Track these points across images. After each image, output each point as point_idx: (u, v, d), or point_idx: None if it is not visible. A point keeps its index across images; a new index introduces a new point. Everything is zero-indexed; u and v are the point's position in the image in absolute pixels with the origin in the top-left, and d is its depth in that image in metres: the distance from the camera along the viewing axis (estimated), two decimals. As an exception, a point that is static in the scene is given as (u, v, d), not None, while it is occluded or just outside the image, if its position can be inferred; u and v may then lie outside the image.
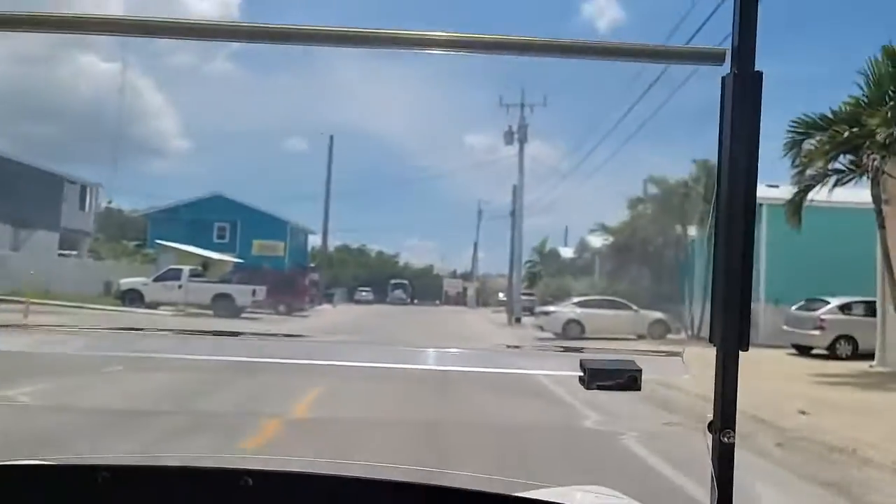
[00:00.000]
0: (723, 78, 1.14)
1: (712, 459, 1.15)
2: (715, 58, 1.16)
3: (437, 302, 63.74)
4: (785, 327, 19.15)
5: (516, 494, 1.31)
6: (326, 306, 41.55)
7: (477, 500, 1.22)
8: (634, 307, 22.37)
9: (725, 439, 1.14)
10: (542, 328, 20.96)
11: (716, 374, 1.16)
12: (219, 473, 1.23)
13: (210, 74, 48.73)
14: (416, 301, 62.96)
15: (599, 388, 1.18)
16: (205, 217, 45.57)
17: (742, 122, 1.13)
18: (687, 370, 1.29)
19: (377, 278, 63.54)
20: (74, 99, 45.92)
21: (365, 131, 62.76)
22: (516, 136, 31.65)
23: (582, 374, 1.20)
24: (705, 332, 1.16)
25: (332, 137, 53.81)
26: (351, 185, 67.94)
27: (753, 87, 1.12)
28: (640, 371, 1.20)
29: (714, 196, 1.17)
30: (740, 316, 1.14)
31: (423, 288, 67.33)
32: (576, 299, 22.63)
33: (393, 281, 63.74)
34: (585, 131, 64.14)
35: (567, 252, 46.19)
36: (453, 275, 71.14)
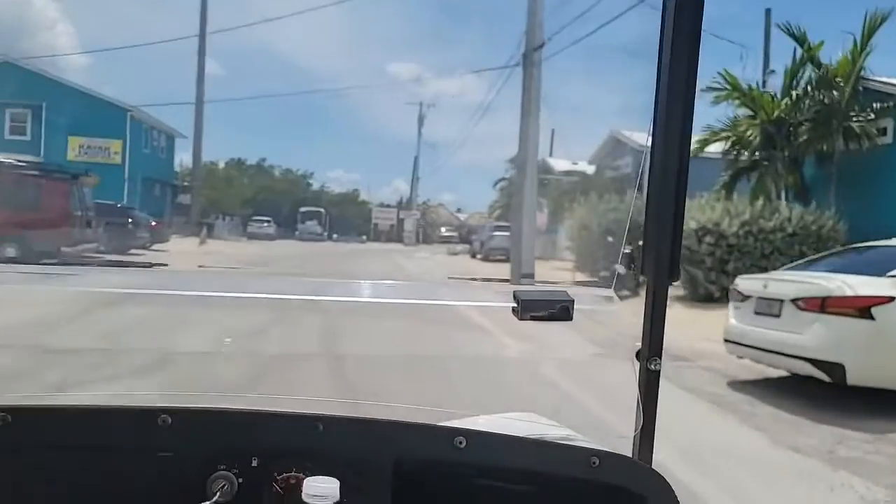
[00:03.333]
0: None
1: (639, 386, 1.18)
2: None
3: (364, 238, 47.23)
4: None
5: (440, 424, 1.22)
6: (181, 242, 24.70)
7: (398, 430, 1.15)
8: None
9: (652, 367, 1.18)
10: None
11: (645, 305, 1.19)
12: (133, 413, 1.13)
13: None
14: (335, 236, 46.38)
15: (532, 318, 1.19)
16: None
17: (681, 47, 1.11)
18: (616, 302, 1.27)
19: (283, 205, 46.36)
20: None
21: (282, 55, 49.54)
22: None
23: (515, 305, 1.20)
24: None
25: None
26: (262, 112, 51.15)
27: (694, 12, 1.10)
28: (571, 301, 1.20)
29: (652, 123, 1.13)
30: (672, 247, 1.17)
31: (345, 219, 50.45)
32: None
33: (303, 209, 46.72)
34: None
35: (565, 165, 29.77)
36: (385, 205, 53.92)
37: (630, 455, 1.18)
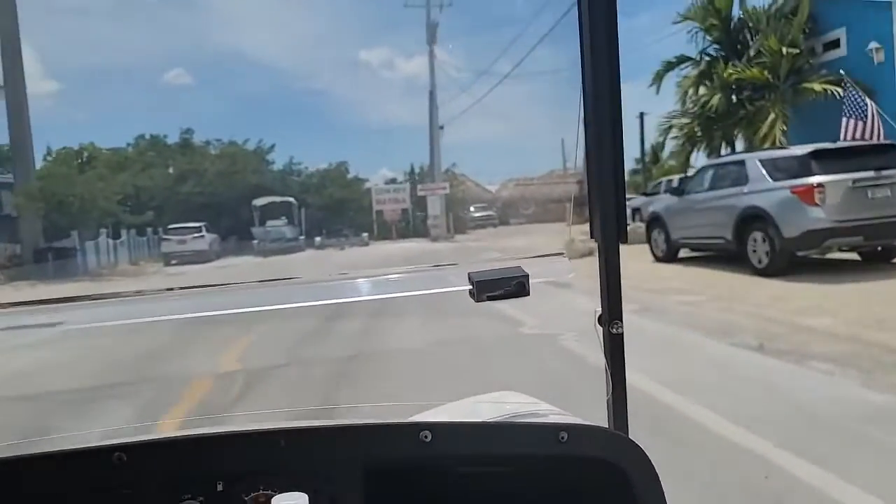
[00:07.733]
0: None
1: (604, 351, 1.19)
2: None
3: (366, 236, 28.71)
4: None
5: (407, 420, 1.20)
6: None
7: (362, 433, 1.10)
8: None
9: (614, 330, 1.17)
10: None
11: (599, 268, 1.18)
12: (84, 454, 1.07)
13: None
14: (317, 239, 28.36)
15: (489, 298, 1.16)
16: None
17: (598, 16, 1.11)
18: (572, 269, 1.25)
19: (226, 199, 28.14)
20: None
21: (252, 57, 35.56)
22: None
23: (471, 287, 1.17)
24: None
25: None
26: (236, 118, 34.20)
27: None
28: (527, 276, 1.17)
29: (581, 85, 1.14)
30: (617, 209, 1.16)
31: (332, 210, 31.69)
32: None
33: (260, 201, 28.64)
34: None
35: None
36: (391, 181, 35.26)
37: (606, 424, 1.18)
